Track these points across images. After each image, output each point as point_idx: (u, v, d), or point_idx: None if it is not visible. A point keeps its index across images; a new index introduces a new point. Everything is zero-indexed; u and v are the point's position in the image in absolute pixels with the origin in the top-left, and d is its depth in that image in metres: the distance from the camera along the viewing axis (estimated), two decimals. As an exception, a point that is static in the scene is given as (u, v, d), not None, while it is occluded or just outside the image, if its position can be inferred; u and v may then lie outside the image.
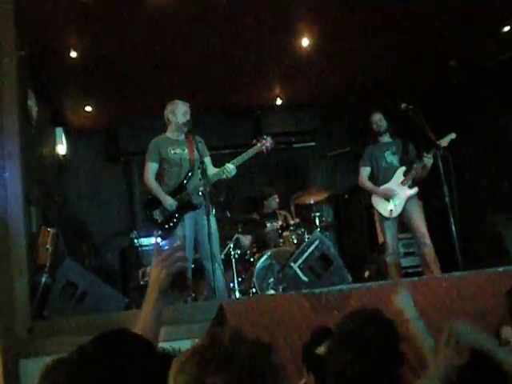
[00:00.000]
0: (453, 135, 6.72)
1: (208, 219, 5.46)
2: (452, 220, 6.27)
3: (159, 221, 5.99)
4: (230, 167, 6.00)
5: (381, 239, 7.68)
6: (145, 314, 2.19)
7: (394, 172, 6.99)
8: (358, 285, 5.07)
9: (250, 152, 6.12)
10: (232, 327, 4.55)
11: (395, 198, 6.87)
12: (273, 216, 8.56)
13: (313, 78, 8.90)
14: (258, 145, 6.12)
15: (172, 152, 6.10)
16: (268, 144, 6.14)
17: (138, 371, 1.71)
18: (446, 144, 6.65)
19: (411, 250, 8.58)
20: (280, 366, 1.42)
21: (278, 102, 9.71)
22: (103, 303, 5.42)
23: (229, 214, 8.18)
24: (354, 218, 10.10)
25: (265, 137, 6.22)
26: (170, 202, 5.94)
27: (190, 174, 6.00)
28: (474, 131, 9.56)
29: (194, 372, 1.43)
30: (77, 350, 1.74)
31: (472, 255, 6.65)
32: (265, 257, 7.21)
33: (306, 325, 4.40)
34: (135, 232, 8.21)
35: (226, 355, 1.42)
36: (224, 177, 6.02)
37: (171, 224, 5.93)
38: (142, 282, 6.25)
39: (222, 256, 7.49)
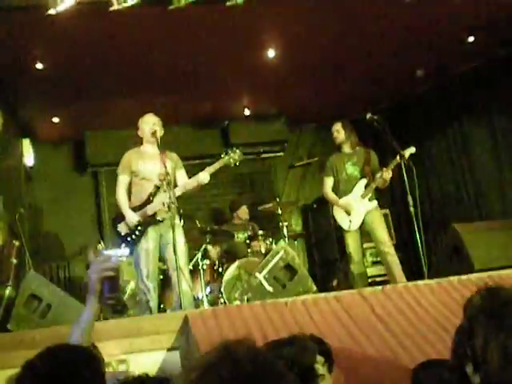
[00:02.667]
0: (412, 149, 6.78)
1: (173, 231, 5.49)
2: (416, 229, 6.34)
3: (123, 233, 6.03)
4: (202, 176, 6.03)
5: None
6: (85, 315, 2.26)
7: (354, 184, 7.03)
8: (322, 294, 5.10)
9: (216, 165, 6.13)
10: (198, 338, 4.57)
11: (354, 211, 6.92)
12: (242, 227, 8.59)
13: (280, 88, 8.95)
14: (226, 157, 6.13)
15: (142, 165, 6.13)
16: (236, 157, 6.14)
17: None
18: (407, 156, 6.72)
19: (379, 259, 8.64)
20: None
21: (246, 112, 9.75)
22: (68, 315, 5.38)
23: (198, 224, 8.18)
24: (322, 227, 10.15)
25: (234, 149, 6.22)
26: (130, 217, 5.98)
27: (156, 188, 6.01)
28: (439, 141, 9.71)
29: None
30: (24, 365, 1.76)
31: (436, 263, 6.72)
32: (233, 267, 7.23)
33: (273, 334, 4.42)
34: (102, 243, 8.19)
35: (247, 375, 1.22)
36: (195, 184, 6.06)
37: (133, 237, 5.96)
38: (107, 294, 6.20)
39: (190, 266, 7.51)
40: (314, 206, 10.38)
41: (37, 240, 9.16)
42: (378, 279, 8.51)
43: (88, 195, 10.20)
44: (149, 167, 6.11)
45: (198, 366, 1.28)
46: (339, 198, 7.07)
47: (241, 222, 8.69)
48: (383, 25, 7.40)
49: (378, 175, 6.89)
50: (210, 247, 7.95)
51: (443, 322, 4.61)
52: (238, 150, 6.19)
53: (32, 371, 1.83)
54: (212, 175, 6.13)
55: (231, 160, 6.12)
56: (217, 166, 6.13)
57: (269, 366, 1.25)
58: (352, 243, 7.01)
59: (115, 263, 2.28)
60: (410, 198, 6.43)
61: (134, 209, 6.03)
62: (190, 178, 6.19)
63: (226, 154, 6.14)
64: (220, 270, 7.62)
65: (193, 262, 7.59)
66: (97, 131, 9.66)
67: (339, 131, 7.17)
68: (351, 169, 7.09)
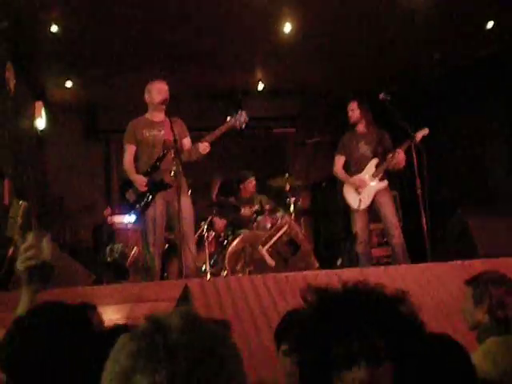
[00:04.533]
0: (426, 130, 6.75)
1: (179, 199, 5.48)
2: (423, 212, 6.33)
3: (131, 201, 6.02)
4: (200, 146, 5.97)
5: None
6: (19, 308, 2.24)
7: (366, 163, 7.01)
8: (323, 271, 5.10)
9: (223, 128, 6.05)
10: (198, 307, 4.59)
11: (365, 189, 6.90)
12: (249, 200, 8.58)
13: (295, 64, 8.90)
14: (232, 120, 6.04)
15: (147, 133, 6.11)
16: (242, 119, 6.03)
17: (73, 345, 1.73)
18: (419, 138, 6.68)
19: (385, 240, 8.62)
20: (236, 347, 1.19)
21: (260, 86, 9.70)
22: (71, 278, 5.41)
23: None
24: (330, 206, 10.11)
25: (239, 112, 6.12)
26: (140, 182, 5.96)
27: (163, 154, 5.99)
28: (451, 125, 9.63)
29: (125, 366, 1.09)
30: (13, 322, 1.77)
31: (441, 247, 6.70)
32: (237, 240, 7.22)
33: (272, 307, 4.44)
34: (109, 209, 8.22)
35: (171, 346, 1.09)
36: (194, 157, 6.02)
37: (142, 204, 5.95)
38: (108, 259, 6.27)
39: (195, 236, 7.53)
40: (323, 184, 10.34)
41: (44, 202, 9.20)
42: (383, 260, 8.50)
43: (98, 161, 10.23)
44: (156, 135, 6.08)
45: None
46: (350, 176, 7.05)
47: (248, 196, 8.67)
48: (403, 5, 7.32)
49: (390, 156, 6.85)
50: (216, 219, 7.94)
51: (443, 305, 4.62)
52: (243, 112, 6.07)
53: (21, 326, 1.84)
54: (223, 148, 6.07)
55: (237, 123, 6.03)
56: (222, 129, 6.04)
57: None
58: (359, 223, 7.00)
59: (40, 250, 2.20)
60: (417, 181, 6.42)
61: (142, 175, 6.01)
62: None
63: (232, 117, 6.06)
64: (225, 242, 7.62)
65: (198, 232, 7.61)
66: (109, 98, 9.65)
67: (354, 110, 7.11)
68: (364, 148, 7.06)
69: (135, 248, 6.51)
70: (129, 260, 6.30)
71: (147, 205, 5.93)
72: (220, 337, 1.18)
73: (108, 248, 6.55)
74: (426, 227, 6.34)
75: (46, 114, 9.56)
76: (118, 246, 6.58)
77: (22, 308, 2.18)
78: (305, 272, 4.95)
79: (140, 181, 5.97)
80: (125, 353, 1.10)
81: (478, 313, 3.11)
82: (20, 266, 2.16)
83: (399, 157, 6.74)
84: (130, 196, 6.03)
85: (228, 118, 6.04)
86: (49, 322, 1.85)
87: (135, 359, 1.08)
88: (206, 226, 7.65)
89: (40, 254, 2.15)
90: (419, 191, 6.44)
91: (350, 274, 5.01)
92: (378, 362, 1.29)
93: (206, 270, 7.26)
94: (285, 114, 10.27)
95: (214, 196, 8.51)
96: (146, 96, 6.22)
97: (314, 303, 1.40)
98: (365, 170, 6.98)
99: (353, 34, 8.04)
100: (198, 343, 1.12)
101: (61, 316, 1.90)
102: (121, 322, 4.78)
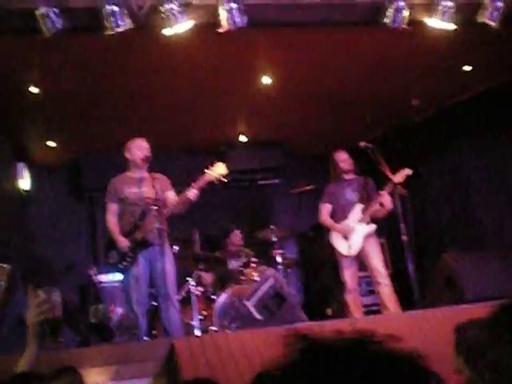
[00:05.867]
0: (407, 171, 6.76)
1: (163, 258, 5.44)
2: (408, 258, 6.31)
3: (112, 261, 5.99)
4: (189, 193, 5.93)
5: (344, 277, 7.67)
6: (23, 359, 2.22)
7: (352, 210, 7.00)
8: (312, 323, 5.04)
9: (201, 181, 5.97)
10: (184, 366, 4.51)
11: (353, 235, 6.87)
12: (236, 253, 8.54)
13: (275, 115, 8.95)
14: (209, 172, 5.96)
15: (128, 191, 6.09)
16: (219, 170, 5.90)
17: None
18: (401, 179, 6.68)
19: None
20: None
21: (242, 138, 9.74)
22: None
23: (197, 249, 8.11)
24: (318, 255, 10.07)
25: (216, 164, 6.01)
26: (122, 243, 5.93)
27: (144, 212, 5.96)
28: (434, 170, 9.70)
29: None
30: None
31: (429, 293, 6.66)
32: (225, 294, 7.15)
33: (259, 362, 4.36)
34: (94, 268, 8.15)
35: None
36: (182, 208, 5.97)
37: (125, 264, 5.91)
38: (92, 320, 6.17)
39: (183, 293, 7.45)
40: (310, 233, 10.32)
41: (31, 264, 9.09)
42: (373, 308, 8.42)
43: (83, 220, 10.17)
44: (137, 192, 6.07)
45: None
46: (337, 223, 7.04)
47: (234, 249, 8.63)
48: (379, 53, 7.41)
49: (375, 200, 6.86)
50: (203, 274, 7.87)
51: (434, 352, 4.55)
52: (220, 164, 5.99)
53: None
54: (208, 201, 6.05)
55: (214, 174, 5.95)
56: (201, 182, 5.98)
57: None
58: (348, 271, 6.96)
59: (52, 304, 2.21)
60: (402, 226, 6.41)
61: (124, 235, 5.99)
62: None
63: (209, 169, 6.01)
64: (213, 297, 7.53)
65: (185, 288, 7.53)
66: (94, 156, 9.65)
67: (346, 160, 7.15)
68: (350, 195, 7.07)
69: (119, 308, 6.42)
70: (114, 320, 6.21)
71: (130, 264, 5.89)
72: None
73: (92, 308, 6.47)
74: (413, 273, 6.32)
75: (30, 174, 9.53)
76: (102, 307, 6.49)
77: (25, 360, 2.17)
78: (293, 325, 4.88)
79: (122, 242, 5.94)
80: None
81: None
82: (33, 319, 2.16)
83: (384, 198, 6.74)
84: (113, 257, 6.00)
85: (206, 171, 6.01)
86: None
87: None
88: (193, 282, 7.57)
89: (52, 309, 2.18)
90: (405, 237, 6.43)
91: (341, 326, 4.93)
92: None
93: (194, 325, 7.17)
94: (268, 165, 10.29)
95: (197, 249, 8.46)
96: (127, 154, 6.23)
97: (300, 354, 1.07)
98: (351, 216, 6.97)
99: (331, 83, 8.10)
100: None
101: None
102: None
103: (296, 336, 1.09)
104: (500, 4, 5.84)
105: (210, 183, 6.01)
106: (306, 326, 4.84)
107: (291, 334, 1.08)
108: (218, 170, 5.96)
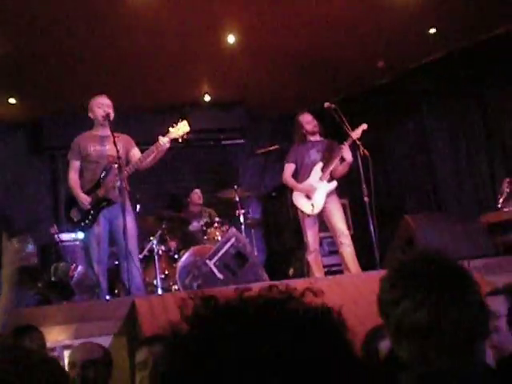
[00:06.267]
0: (364, 126, 6.81)
1: (124, 215, 5.42)
2: (370, 219, 6.37)
3: (75, 219, 5.96)
4: (164, 139, 5.90)
5: (306, 237, 7.73)
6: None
7: (313, 168, 7.03)
8: (272, 283, 5.06)
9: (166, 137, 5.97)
10: (144, 324, 4.52)
11: (315, 193, 6.90)
12: (198, 213, 8.55)
13: (240, 75, 8.89)
14: (173, 130, 5.98)
15: (92, 149, 6.06)
16: (183, 128, 5.95)
17: None
18: (358, 135, 6.73)
19: (336, 249, 8.65)
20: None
21: (207, 98, 9.66)
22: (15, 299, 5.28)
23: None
24: (281, 215, 10.12)
25: (180, 121, 6.03)
26: (83, 199, 5.89)
27: (106, 170, 5.93)
28: (399, 131, 9.76)
29: None
30: None
31: (390, 255, 6.74)
32: (188, 253, 7.16)
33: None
34: (55, 227, 8.09)
35: None
36: (155, 152, 5.94)
37: (87, 222, 5.89)
38: (53, 278, 6.16)
39: (146, 252, 7.46)
40: (273, 194, 10.35)
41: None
42: (334, 268, 8.51)
43: (45, 178, 10.05)
44: (100, 150, 6.03)
45: None
46: (299, 183, 7.06)
47: (197, 209, 8.64)
48: (344, 15, 7.38)
49: (334, 157, 6.89)
50: (165, 233, 7.87)
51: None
52: (184, 122, 6.03)
53: None
54: (171, 161, 6.03)
55: (178, 132, 5.96)
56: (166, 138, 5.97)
57: None
58: (309, 232, 7.00)
59: (32, 251, 2.17)
60: (364, 188, 6.46)
61: (86, 192, 5.95)
62: None
63: (173, 127, 6.01)
64: (176, 256, 7.55)
65: (148, 247, 7.54)
66: (55, 114, 9.51)
67: (310, 122, 7.16)
68: (314, 155, 7.09)
69: (79, 266, 6.40)
70: (75, 279, 6.19)
71: (91, 222, 5.86)
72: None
73: (53, 267, 6.44)
74: (374, 235, 6.39)
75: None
76: (63, 265, 6.47)
77: (1, 306, 2.13)
78: (253, 284, 4.90)
79: (84, 199, 5.91)
80: None
81: None
82: (10, 266, 2.11)
83: (344, 151, 6.77)
84: (75, 214, 5.97)
85: (170, 129, 6.00)
86: None
87: None
88: (155, 241, 7.58)
89: (28, 257, 2.13)
90: (366, 199, 6.48)
91: (300, 285, 4.98)
92: None
93: (156, 284, 7.20)
94: (233, 125, 10.24)
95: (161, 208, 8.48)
96: (90, 113, 6.17)
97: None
98: (312, 175, 6.99)
99: (296, 44, 8.06)
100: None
101: None
102: (67, 342, 4.71)
103: (203, 297, 1.03)
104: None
105: (174, 141, 5.98)
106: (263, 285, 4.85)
107: (198, 296, 1.03)
108: (182, 127, 5.95)
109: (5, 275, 2.18)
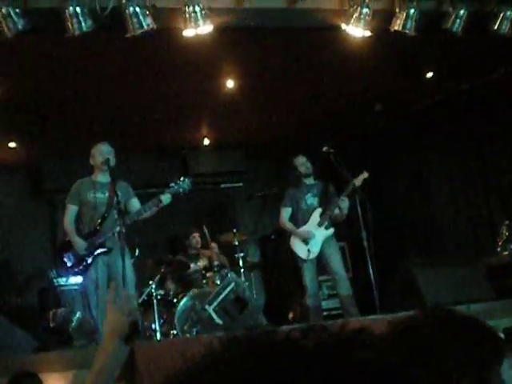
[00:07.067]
0: (365, 174, 6.85)
1: (123, 261, 5.41)
2: (370, 263, 6.37)
3: (69, 264, 5.94)
4: (166, 197, 5.97)
5: (305, 281, 7.70)
6: (101, 361, 1.96)
7: (311, 214, 7.05)
8: (271, 328, 5.03)
9: (167, 191, 6.08)
10: (142, 371, 4.48)
11: (312, 239, 6.91)
12: (197, 256, 8.53)
13: (238, 119, 8.96)
14: (175, 187, 6.09)
15: (91, 195, 6.09)
16: (185, 186, 6.10)
17: None
18: (359, 183, 6.77)
19: (335, 292, 8.62)
20: None
21: (206, 142, 9.73)
22: (13, 345, 5.25)
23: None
24: (280, 258, 10.08)
25: (182, 179, 6.18)
26: (80, 245, 5.88)
27: (105, 216, 5.94)
28: (397, 175, 9.80)
29: None
30: None
31: (389, 298, 6.72)
32: (186, 298, 7.13)
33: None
34: (54, 271, 8.06)
35: None
36: (155, 207, 5.99)
37: (81, 267, 5.87)
38: (52, 324, 6.11)
39: (144, 296, 7.41)
40: (272, 237, 10.34)
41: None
42: (333, 312, 8.48)
43: (43, 222, 10.05)
44: (99, 196, 6.05)
45: None
46: (297, 228, 7.07)
47: (196, 252, 8.62)
48: (343, 60, 7.46)
49: (333, 203, 6.92)
50: (164, 277, 7.84)
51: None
52: (187, 180, 6.13)
53: None
54: (170, 205, 6.09)
55: (180, 189, 6.06)
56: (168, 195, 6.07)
57: None
58: (308, 275, 7.00)
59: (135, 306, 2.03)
60: (363, 232, 6.47)
61: (83, 238, 5.95)
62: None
63: (176, 184, 6.09)
64: (174, 300, 7.50)
65: (147, 292, 7.49)
66: (54, 158, 9.55)
67: (305, 164, 7.19)
68: (311, 199, 7.12)
69: (78, 312, 6.36)
70: (73, 324, 6.15)
71: (88, 267, 5.85)
72: None
73: (51, 313, 6.40)
74: (373, 279, 6.38)
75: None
76: (62, 311, 6.43)
77: (108, 366, 1.94)
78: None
79: (80, 244, 5.89)
80: None
81: None
82: (120, 319, 1.95)
83: (342, 204, 6.81)
84: (69, 258, 5.95)
85: (171, 184, 6.08)
86: None
87: None
88: (154, 285, 7.53)
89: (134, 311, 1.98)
90: (365, 243, 6.49)
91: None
92: None
93: (155, 329, 7.14)
94: (231, 168, 10.30)
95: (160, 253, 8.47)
96: (90, 159, 6.23)
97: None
98: (310, 221, 7.02)
99: (295, 88, 8.14)
100: None
101: None
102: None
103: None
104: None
105: (176, 195, 6.13)
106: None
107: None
108: (184, 185, 6.13)
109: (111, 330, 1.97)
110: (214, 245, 8.50)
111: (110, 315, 1.96)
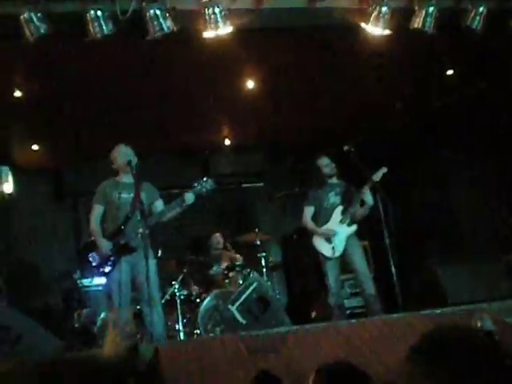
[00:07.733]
0: (384, 169, 6.82)
1: (146, 262, 5.44)
2: (391, 262, 6.36)
3: (94, 264, 5.98)
4: (190, 196, 6.00)
5: (328, 280, 7.71)
6: None
7: (333, 211, 7.05)
8: (295, 327, 5.06)
9: (190, 191, 6.11)
10: (166, 372, 4.51)
11: (335, 237, 6.91)
12: (219, 257, 8.57)
13: (259, 119, 8.98)
14: (198, 187, 6.11)
15: (116, 195, 6.12)
16: (208, 186, 6.11)
17: None
18: (379, 178, 6.75)
19: (357, 291, 8.61)
20: None
21: (227, 142, 9.76)
22: (39, 347, 5.29)
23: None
24: (302, 258, 10.11)
25: (205, 179, 6.20)
26: (104, 245, 5.93)
27: (128, 216, 5.98)
28: (417, 173, 9.75)
29: None
30: None
31: (412, 297, 6.71)
32: (209, 298, 7.19)
33: (242, 369, 4.37)
34: (78, 272, 8.14)
35: None
36: (179, 208, 6.03)
37: (106, 267, 5.91)
38: (76, 325, 6.17)
39: (167, 296, 7.46)
40: (294, 236, 10.36)
41: (14, 268, 9.07)
42: (356, 311, 8.48)
43: (67, 224, 10.15)
44: (124, 196, 6.10)
45: None
46: (319, 227, 7.07)
47: (218, 253, 8.66)
48: (362, 59, 7.46)
49: (355, 200, 6.92)
50: (187, 278, 7.90)
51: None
52: (209, 180, 6.16)
53: None
54: (192, 206, 6.11)
55: (203, 190, 6.09)
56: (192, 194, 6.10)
57: None
58: (331, 274, 6.98)
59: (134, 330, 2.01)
60: (385, 230, 6.46)
61: (107, 238, 6.00)
62: None
63: (198, 184, 6.11)
64: (197, 300, 7.56)
65: (170, 292, 7.54)
66: (77, 161, 9.65)
67: (329, 165, 7.19)
68: (333, 198, 7.11)
69: (102, 313, 6.42)
70: (97, 325, 6.21)
71: (111, 268, 5.89)
72: None
73: (76, 313, 6.47)
74: (395, 277, 6.37)
75: (14, 178, 9.49)
76: (86, 311, 6.50)
77: None
78: (275, 330, 4.89)
79: (104, 244, 5.95)
80: None
81: None
82: (119, 343, 1.95)
83: (364, 194, 6.80)
84: (94, 259, 6.00)
85: (194, 184, 6.10)
86: None
87: None
88: (177, 286, 7.60)
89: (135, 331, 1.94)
90: (387, 241, 6.48)
91: (323, 330, 4.96)
92: None
93: (178, 329, 7.20)
94: (252, 169, 10.34)
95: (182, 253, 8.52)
96: (113, 162, 6.29)
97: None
98: (332, 219, 7.01)
99: (315, 87, 8.15)
100: None
101: None
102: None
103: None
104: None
105: (199, 195, 6.12)
106: (287, 332, 4.84)
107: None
108: (207, 185, 6.11)
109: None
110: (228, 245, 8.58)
111: (109, 338, 1.99)
